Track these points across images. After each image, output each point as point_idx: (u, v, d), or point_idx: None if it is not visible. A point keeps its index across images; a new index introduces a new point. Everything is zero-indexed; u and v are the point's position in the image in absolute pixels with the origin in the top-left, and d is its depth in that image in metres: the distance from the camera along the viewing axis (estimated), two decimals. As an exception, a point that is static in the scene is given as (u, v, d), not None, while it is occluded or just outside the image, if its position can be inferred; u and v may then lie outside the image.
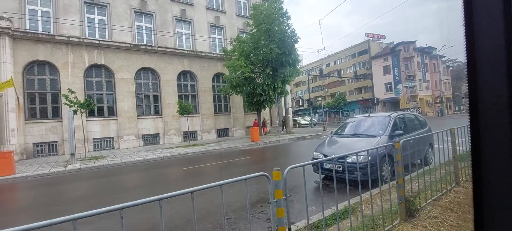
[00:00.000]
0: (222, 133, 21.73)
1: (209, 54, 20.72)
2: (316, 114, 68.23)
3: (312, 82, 75.38)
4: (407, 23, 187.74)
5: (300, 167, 2.41)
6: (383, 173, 5.32)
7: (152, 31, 18.86)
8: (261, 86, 16.44)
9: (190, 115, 19.76)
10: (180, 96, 19.70)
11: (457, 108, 51.68)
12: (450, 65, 53.65)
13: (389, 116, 6.13)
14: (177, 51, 19.27)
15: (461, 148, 5.96)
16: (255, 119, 20.56)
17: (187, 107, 15.89)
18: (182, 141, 19.31)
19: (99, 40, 16.69)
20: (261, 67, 16.99)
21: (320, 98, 69.60)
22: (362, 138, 5.87)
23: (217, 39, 22.06)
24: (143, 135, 18.05)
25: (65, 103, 12.58)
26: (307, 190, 5.87)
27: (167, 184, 7.34)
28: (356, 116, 7.18)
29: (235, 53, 16.77)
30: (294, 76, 18.50)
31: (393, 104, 48.08)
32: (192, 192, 1.82)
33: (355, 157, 5.26)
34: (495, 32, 0.66)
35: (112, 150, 16.27)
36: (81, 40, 16.10)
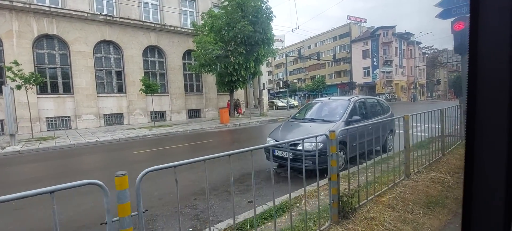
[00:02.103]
0: (194, 113, 20.82)
1: (179, 29, 19.26)
2: (296, 97, 68.65)
3: (293, 64, 75.03)
4: (388, 9, 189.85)
5: (163, 169, 1.69)
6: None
7: (113, 0, 17.03)
8: (232, 66, 15.56)
9: (157, 94, 18.64)
10: (146, 74, 18.34)
11: (429, 95, 53.80)
12: (426, 52, 55.12)
13: (348, 100, 5.67)
14: (142, 23, 17.66)
15: (423, 134, 5.65)
16: (229, 100, 19.80)
17: (152, 86, 14.75)
18: (149, 121, 18.24)
19: (50, 7, 14.77)
20: (233, 45, 16.02)
21: (299, 81, 69.68)
22: (318, 123, 5.40)
23: (188, 13, 20.52)
24: (104, 115, 16.75)
25: (8, 77, 11.14)
26: (257, 179, 5.45)
27: (105, 170, 6.55)
28: (317, 99, 6.69)
29: (206, 28, 15.59)
30: (268, 56, 17.73)
31: (370, 88, 49.01)
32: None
33: (307, 144, 4.79)
34: (501, 31, 0.65)
35: (69, 130, 14.96)
36: (28, 6, 14.14)
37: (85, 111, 15.87)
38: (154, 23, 18.32)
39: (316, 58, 40.70)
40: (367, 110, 5.95)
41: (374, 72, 46.05)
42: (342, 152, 5.02)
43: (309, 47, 66.64)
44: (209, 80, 20.76)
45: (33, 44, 14.59)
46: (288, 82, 28.83)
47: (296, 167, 4.82)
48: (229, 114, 19.98)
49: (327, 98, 6.36)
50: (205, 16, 16.46)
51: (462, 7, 7.08)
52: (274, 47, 17.96)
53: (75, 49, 15.62)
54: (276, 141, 5.15)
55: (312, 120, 5.59)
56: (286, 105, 37.44)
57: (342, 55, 53.91)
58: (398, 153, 4.80)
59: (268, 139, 5.59)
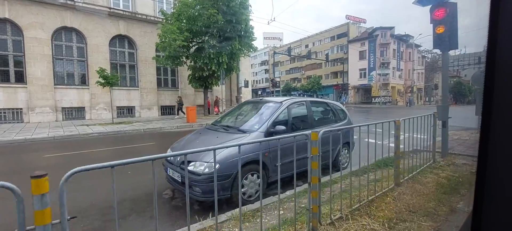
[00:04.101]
0: (167, 110, 19.37)
1: (152, 18, 17.77)
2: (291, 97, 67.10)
3: (290, 63, 73.47)
4: (390, 11, 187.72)
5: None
6: (244, 190, 3.46)
7: (78, -17, 15.53)
8: (202, 59, 14.08)
9: (125, 88, 17.26)
10: (114, 65, 16.94)
11: (427, 99, 52.17)
12: (426, 55, 53.41)
13: (280, 103, 4.22)
14: (109, 10, 16.18)
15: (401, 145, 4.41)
16: (208, 97, 18.35)
17: (110, 78, 13.29)
18: (115, 117, 16.80)
19: (0, -13, 13.32)
20: (204, 37, 14.56)
21: (295, 81, 68.24)
22: (230, 133, 3.95)
23: (165, 1, 19.02)
24: (63, 108, 15.31)
25: None
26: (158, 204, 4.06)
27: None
28: (250, 100, 5.26)
29: (173, 17, 14.09)
30: (245, 50, 16.24)
31: (366, 91, 47.50)
32: None
33: (200, 164, 3.35)
34: None
35: (18, 124, 13.54)
36: (-26, -17, 12.70)
37: (40, 104, 14.44)
38: (123, 11, 16.85)
39: (307, 57, 39.19)
40: (309, 117, 4.49)
41: (371, 74, 44.47)
42: (254, 175, 3.57)
43: (307, 46, 65.07)
44: (186, 75, 19.29)
45: (-20, 27, 13.16)
46: (277, 81, 27.35)
47: (192, 195, 3.39)
48: (209, 113, 18.59)
49: (259, 99, 4.91)
50: (177, 4, 14.94)
51: (445, -10, 5.62)
52: (253, 43, 16.43)
53: (30, 35, 14.16)
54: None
55: (227, 128, 4.14)
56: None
57: (340, 56, 52.34)
58: (358, 169, 3.37)
59: (168, 151, 4.15)
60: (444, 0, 5.65)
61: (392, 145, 6.43)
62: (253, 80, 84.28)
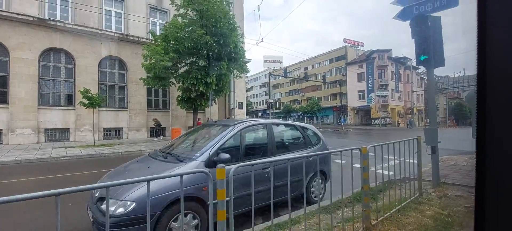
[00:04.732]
0: (157, 132, 18.79)
1: (144, 40, 17.73)
2: (290, 118, 66.65)
3: (290, 85, 73.83)
4: (391, 36, 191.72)
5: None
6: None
7: (70, 5, 15.69)
8: (188, 80, 13.73)
9: (114, 109, 16.91)
10: (103, 86, 16.67)
11: (428, 121, 51.26)
12: (424, 77, 53.33)
13: (232, 126, 3.63)
14: (100, 32, 16.19)
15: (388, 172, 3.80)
16: (199, 118, 17.84)
17: (94, 99, 12.91)
18: (102, 138, 16.27)
19: (-10, 9, 13.39)
20: (192, 58, 14.32)
21: (295, 102, 68.10)
22: (167, 162, 3.34)
23: (158, 24, 19.13)
24: (46, 129, 14.82)
25: None
26: None
27: None
28: (208, 123, 4.70)
29: (161, 37, 13.93)
30: (237, 72, 15.95)
31: (365, 112, 46.94)
32: None
33: (118, 201, 2.71)
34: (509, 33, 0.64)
35: (-4, 146, 13.00)
36: (-37, 5, 12.76)
37: (21, 125, 13.98)
38: (114, 32, 16.86)
39: (304, 78, 39.14)
40: (270, 143, 3.88)
41: (369, 95, 44.15)
42: (189, 216, 2.91)
43: (306, 69, 65.68)
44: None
45: (-34, 48, 13.06)
46: (271, 103, 27.01)
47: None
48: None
49: (214, 121, 4.34)
50: (166, 26, 14.89)
51: (426, 4, 5.19)
52: (244, 64, 16.17)
53: (17, 55, 14.02)
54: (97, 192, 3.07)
55: (166, 156, 3.53)
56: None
57: (338, 78, 52.41)
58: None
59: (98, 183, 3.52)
60: (426, 14, 5.21)
61: (380, 171, 5.74)
62: (254, 102, 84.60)
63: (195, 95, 14.40)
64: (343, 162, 2.93)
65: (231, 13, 14.07)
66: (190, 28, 13.91)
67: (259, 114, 77.11)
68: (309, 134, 4.60)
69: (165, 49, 12.74)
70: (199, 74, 13.80)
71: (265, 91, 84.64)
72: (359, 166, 3.15)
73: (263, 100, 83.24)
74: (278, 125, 4.29)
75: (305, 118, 60.27)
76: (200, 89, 13.96)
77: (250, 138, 3.70)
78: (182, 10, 13.71)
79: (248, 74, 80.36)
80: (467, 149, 10.33)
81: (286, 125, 4.56)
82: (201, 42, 13.30)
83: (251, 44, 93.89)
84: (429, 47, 5.11)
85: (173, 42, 13.66)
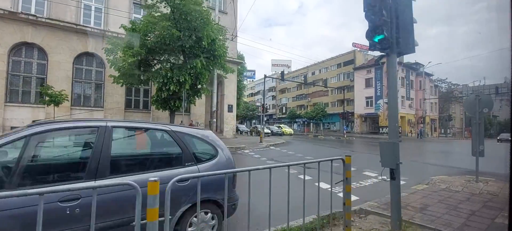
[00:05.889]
0: (135, 134, 17.78)
1: (124, 36, 16.82)
2: (295, 124, 64.60)
3: (297, 90, 71.85)
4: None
5: None
6: None
7: (45, -2, 15.01)
8: (157, 79, 12.55)
9: (87, 108, 16.00)
10: (77, 84, 15.85)
11: (442, 132, 47.91)
12: (439, 84, 50.06)
13: (20, 131, 2.27)
14: (76, 27, 15.41)
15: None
16: (181, 122, 16.66)
17: (54, 96, 11.97)
18: (74, 139, 15.36)
19: (-43, 0, 12.85)
20: (162, 55, 13.17)
21: (301, 108, 66.07)
22: None
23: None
24: (12, 127, 14.03)
25: None
26: None
27: None
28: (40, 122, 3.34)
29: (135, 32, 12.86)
30: (214, 71, 14.64)
31: (373, 120, 44.42)
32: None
33: None
34: None
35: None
36: None
37: (-17, 123, 13.28)
38: (92, 28, 16.05)
39: (305, 82, 37.40)
40: (95, 158, 2.45)
41: (377, 102, 41.67)
42: None
43: (313, 73, 63.73)
44: (160, 97, 17.88)
45: None
46: (266, 107, 25.57)
47: None
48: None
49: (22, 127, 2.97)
50: (141, 20, 13.85)
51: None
52: (226, 63, 14.81)
53: (-16, 49, 13.41)
54: None
55: None
56: (269, 132, 33.93)
57: (346, 83, 50.14)
58: None
59: None
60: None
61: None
62: (260, 106, 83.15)
63: (166, 95, 13.17)
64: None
65: (203, 5, 12.77)
66: (162, 23, 12.77)
67: (265, 119, 75.54)
68: (194, 143, 3.14)
69: (128, 43, 11.63)
70: (169, 72, 12.59)
71: (272, 96, 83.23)
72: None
73: (270, 105, 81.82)
74: (129, 128, 2.87)
75: (311, 124, 58.11)
76: (172, 88, 12.72)
77: (49, 152, 2.35)
78: (158, 4, 12.58)
79: (255, 79, 78.37)
80: (469, 167, 8.29)
81: (147, 130, 3.10)
82: (172, 37, 12.11)
83: (260, 48, 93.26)
84: (388, 23, 3.57)
85: (141, 36, 12.55)
